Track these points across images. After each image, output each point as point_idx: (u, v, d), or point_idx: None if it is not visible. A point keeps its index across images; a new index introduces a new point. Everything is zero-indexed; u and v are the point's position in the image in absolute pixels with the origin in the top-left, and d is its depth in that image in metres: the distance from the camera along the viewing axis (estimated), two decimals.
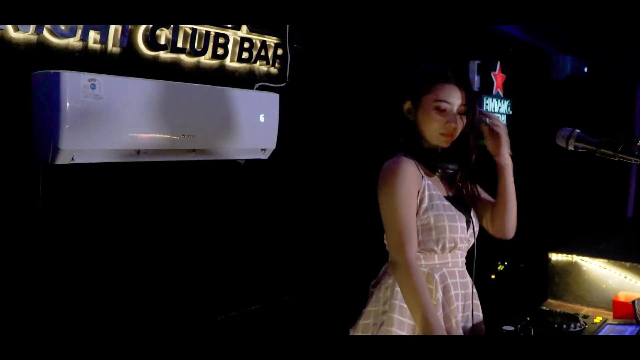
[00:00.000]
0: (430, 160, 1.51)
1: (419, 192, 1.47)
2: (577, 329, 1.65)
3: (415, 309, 1.38)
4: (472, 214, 1.58)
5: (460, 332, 1.51)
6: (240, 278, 2.55)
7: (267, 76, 2.66)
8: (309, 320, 2.72)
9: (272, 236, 2.69)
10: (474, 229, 1.56)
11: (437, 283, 1.47)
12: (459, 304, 1.51)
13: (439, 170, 1.53)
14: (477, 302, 1.61)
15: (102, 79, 1.85)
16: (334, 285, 2.87)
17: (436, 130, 1.48)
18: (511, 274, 3.02)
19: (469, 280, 1.57)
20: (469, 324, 1.56)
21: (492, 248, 3.39)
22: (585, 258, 2.16)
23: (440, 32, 3.71)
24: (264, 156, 2.54)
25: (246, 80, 2.55)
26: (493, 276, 2.96)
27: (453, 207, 1.51)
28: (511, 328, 1.62)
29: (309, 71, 2.83)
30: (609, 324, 1.73)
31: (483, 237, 1.64)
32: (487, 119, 1.56)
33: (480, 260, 1.62)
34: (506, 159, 1.54)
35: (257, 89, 2.58)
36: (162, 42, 2.21)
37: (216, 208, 2.46)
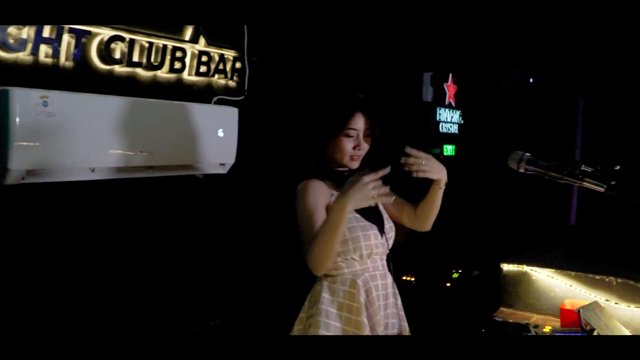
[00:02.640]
0: (340, 180, 1.62)
1: (328, 206, 1.61)
2: None
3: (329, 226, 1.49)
4: (386, 220, 1.74)
5: (382, 328, 1.65)
6: (200, 294, 2.53)
7: (226, 89, 2.66)
8: (270, 334, 2.72)
9: (232, 251, 2.67)
10: (386, 235, 1.71)
11: (360, 287, 1.61)
12: (380, 304, 1.65)
13: None
14: (394, 300, 1.72)
15: (55, 96, 1.81)
16: (295, 298, 2.88)
17: (346, 155, 1.66)
18: (466, 281, 3.12)
19: (388, 281, 1.71)
20: (391, 320, 1.70)
21: (446, 256, 3.50)
22: (535, 268, 2.26)
23: (394, 45, 3.78)
24: (223, 170, 2.53)
25: (204, 94, 2.54)
26: (448, 284, 3.04)
27: (362, 218, 1.65)
28: None
29: (267, 84, 2.84)
30: (557, 332, 1.82)
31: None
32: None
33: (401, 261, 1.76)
34: (443, 185, 1.72)
35: (215, 102, 2.57)
36: (117, 55, 2.17)
37: (175, 224, 2.43)
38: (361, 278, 1.63)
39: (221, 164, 2.50)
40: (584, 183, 1.34)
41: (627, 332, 2.03)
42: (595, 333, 1.82)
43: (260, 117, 2.80)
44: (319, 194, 1.62)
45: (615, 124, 4.21)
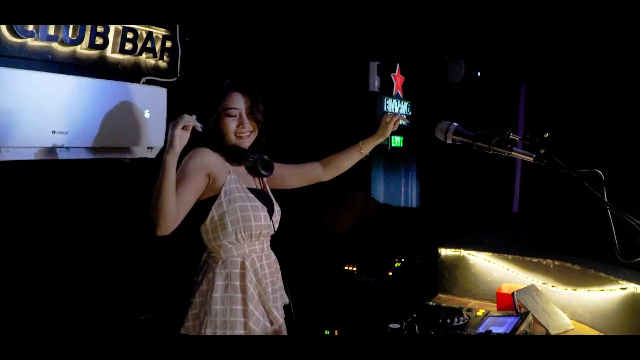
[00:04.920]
0: (233, 153, 1.74)
1: (224, 183, 1.69)
2: (461, 322, 1.66)
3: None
4: (275, 204, 1.84)
5: (275, 303, 1.77)
6: (126, 286, 2.37)
7: (155, 70, 2.51)
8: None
9: (161, 240, 2.53)
10: (274, 217, 1.80)
11: (248, 268, 1.69)
12: (268, 281, 1.76)
13: (243, 162, 1.76)
14: (279, 275, 1.86)
15: None
16: None
17: (230, 133, 1.74)
18: (407, 270, 3.07)
19: (273, 259, 1.83)
20: (279, 293, 1.82)
21: (388, 246, 3.45)
22: (472, 252, 2.22)
23: (339, 33, 3.71)
24: (151, 154, 2.38)
25: (131, 74, 2.38)
26: (390, 273, 2.99)
27: (256, 199, 1.74)
28: (397, 325, 1.60)
29: (202, 66, 2.70)
30: (491, 316, 1.77)
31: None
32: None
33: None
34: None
35: (144, 83, 2.42)
36: (30, 28, 1.99)
37: (98, 211, 2.27)
38: (249, 259, 1.71)
39: (149, 148, 2.36)
40: (513, 153, 1.29)
41: (564, 316, 2.01)
42: (529, 316, 1.79)
43: (194, 101, 2.67)
44: (204, 162, 1.66)
45: (556, 108, 4.27)
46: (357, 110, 4.28)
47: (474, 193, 4.50)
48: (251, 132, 1.76)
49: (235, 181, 1.72)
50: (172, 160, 1.51)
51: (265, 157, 1.82)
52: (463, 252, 2.22)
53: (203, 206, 1.70)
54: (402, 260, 3.10)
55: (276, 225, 1.81)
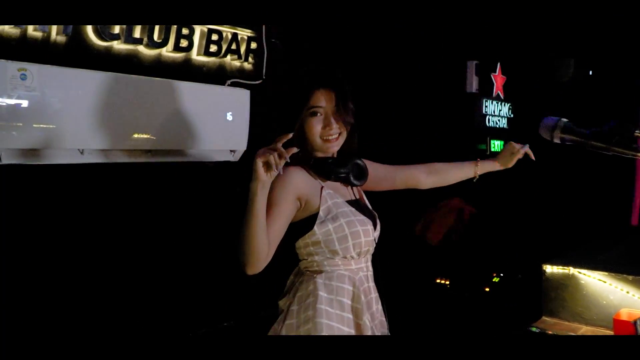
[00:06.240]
0: (320, 170, 1.51)
1: (320, 202, 1.47)
2: None
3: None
4: (376, 215, 1.62)
5: (381, 331, 1.53)
6: (208, 292, 2.34)
7: (240, 72, 2.47)
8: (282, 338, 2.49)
9: None
10: (377, 230, 1.58)
11: (359, 286, 1.48)
12: (374, 307, 1.54)
13: (334, 176, 1.51)
14: (378, 306, 1.59)
15: (35, 69, 1.67)
16: None
17: (316, 136, 1.48)
18: (507, 286, 2.79)
19: (372, 284, 1.57)
20: (380, 320, 1.57)
21: (485, 258, 3.18)
22: (584, 270, 1.93)
23: (437, 31, 3.50)
24: (234, 158, 2.34)
25: (216, 76, 2.36)
26: (487, 289, 2.73)
27: (358, 212, 1.51)
28: None
29: (288, 67, 2.62)
30: None
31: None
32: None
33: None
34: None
35: (229, 85, 2.39)
36: (116, 31, 2.01)
37: (180, 216, 2.25)
38: (357, 276, 1.49)
39: (231, 151, 2.31)
40: (639, 154, 1.04)
41: None
42: None
43: (280, 104, 2.60)
44: (292, 185, 1.43)
45: None
46: (454, 112, 4.04)
47: (584, 201, 4.08)
48: (339, 134, 1.49)
49: (333, 196, 1.50)
50: (256, 190, 1.26)
51: (359, 161, 1.57)
52: (572, 270, 1.94)
53: (299, 226, 1.48)
54: (502, 274, 2.83)
55: (377, 238, 1.57)
